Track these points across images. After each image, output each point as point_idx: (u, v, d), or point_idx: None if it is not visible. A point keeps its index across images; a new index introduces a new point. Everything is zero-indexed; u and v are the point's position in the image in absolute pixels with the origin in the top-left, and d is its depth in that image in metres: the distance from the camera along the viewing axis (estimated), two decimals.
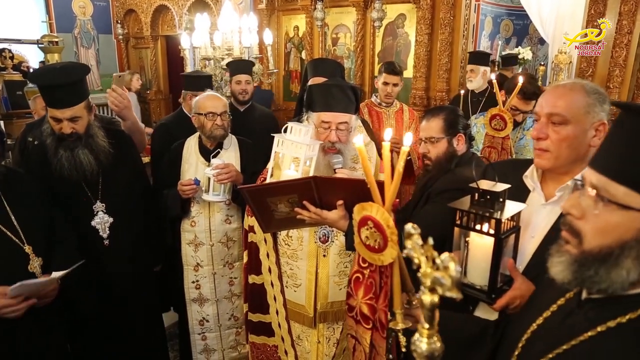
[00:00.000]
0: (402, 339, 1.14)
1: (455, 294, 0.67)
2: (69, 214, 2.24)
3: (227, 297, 2.89)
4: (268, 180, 1.99)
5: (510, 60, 5.81)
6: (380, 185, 1.13)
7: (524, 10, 7.05)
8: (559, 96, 1.40)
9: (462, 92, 3.79)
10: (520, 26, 8.01)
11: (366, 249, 1.22)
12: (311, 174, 1.87)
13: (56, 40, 4.44)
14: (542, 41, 7.86)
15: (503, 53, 7.05)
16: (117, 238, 2.36)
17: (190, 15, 7.27)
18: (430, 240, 0.70)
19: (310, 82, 2.87)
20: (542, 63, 7.18)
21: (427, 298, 0.69)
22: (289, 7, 6.73)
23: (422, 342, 0.73)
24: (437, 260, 0.67)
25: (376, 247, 1.18)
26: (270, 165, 2.00)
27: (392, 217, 1.12)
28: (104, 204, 2.34)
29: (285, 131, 1.89)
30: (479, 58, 4.14)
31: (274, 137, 1.94)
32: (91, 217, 2.32)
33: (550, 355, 0.96)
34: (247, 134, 3.26)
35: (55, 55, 4.41)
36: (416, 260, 0.70)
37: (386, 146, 1.08)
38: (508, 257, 1.42)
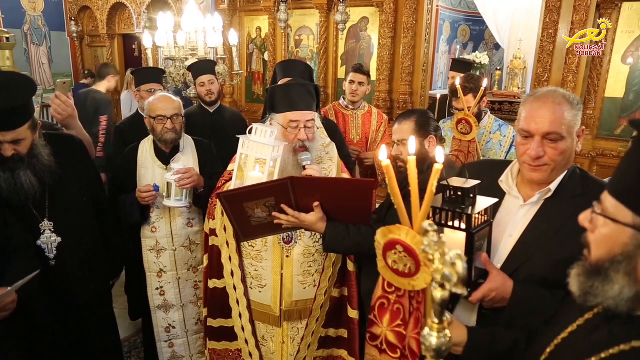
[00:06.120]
0: None
1: (460, 290, 0.69)
2: None
3: (193, 301, 2.83)
4: (233, 182, 1.97)
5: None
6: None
7: (481, 16, 7.29)
8: (550, 113, 1.42)
9: (438, 96, 3.86)
10: (477, 31, 8.25)
11: (394, 273, 1.17)
12: (276, 175, 1.87)
13: (7, 35, 4.21)
14: (497, 46, 8.13)
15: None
16: (65, 258, 2.18)
17: (149, 13, 7.09)
18: (444, 238, 0.72)
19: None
20: (499, 68, 7.43)
21: (438, 294, 0.72)
22: (252, 8, 6.68)
23: (433, 336, 0.76)
24: (447, 257, 0.70)
25: (406, 272, 1.13)
26: (234, 167, 1.99)
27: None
28: (52, 223, 2.16)
29: (249, 132, 1.88)
30: (462, 66, 4.22)
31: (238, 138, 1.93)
32: (37, 235, 2.13)
33: None
34: (218, 135, 3.21)
35: (7, 52, 4.18)
36: (430, 257, 0.72)
37: (412, 160, 1.03)
38: (482, 251, 1.46)
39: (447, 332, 0.76)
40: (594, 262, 0.93)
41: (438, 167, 1.00)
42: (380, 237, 1.17)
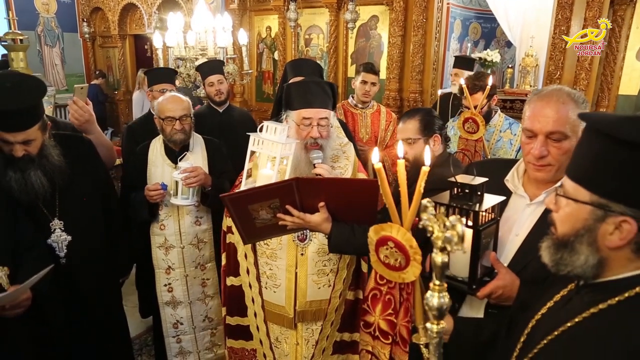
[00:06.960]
0: (425, 352, 1.17)
1: (462, 248, 0.79)
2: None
3: (200, 298, 2.85)
4: (244, 181, 1.96)
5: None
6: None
7: (492, 14, 7.21)
8: (554, 112, 1.40)
9: (440, 93, 3.84)
10: (488, 29, 8.17)
11: (385, 267, 1.24)
12: (288, 172, 1.85)
13: (21, 37, 4.27)
14: (509, 44, 8.04)
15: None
16: (75, 257, 2.20)
17: (160, 14, 7.14)
18: (442, 209, 0.82)
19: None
20: (510, 66, 7.35)
21: (439, 258, 0.81)
22: (261, 7, 6.69)
23: (434, 296, 0.84)
24: (447, 223, 0.79)
25: (397, 265, 1.20)
26: (246, 166, 1.98)
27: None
28: (62, 222, 2.18)
29: (260, 130, 1.88)
30: (464, 63, 4.19)
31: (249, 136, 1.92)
32: (47, 234, 2.16)
33: (550, 337, 1.05)
34: (227, 135, 3.22)
35: (20, 53, 4.25)
36: (430, 229, 0.80)
37: (400, 163, 1.10)
38: (489, 250, 1.46)
39: (447, 294, 0.84)
40: (560, 237, 1.05)
41: (425, 169, 1.08)
42: (373, 234, 1.23)
